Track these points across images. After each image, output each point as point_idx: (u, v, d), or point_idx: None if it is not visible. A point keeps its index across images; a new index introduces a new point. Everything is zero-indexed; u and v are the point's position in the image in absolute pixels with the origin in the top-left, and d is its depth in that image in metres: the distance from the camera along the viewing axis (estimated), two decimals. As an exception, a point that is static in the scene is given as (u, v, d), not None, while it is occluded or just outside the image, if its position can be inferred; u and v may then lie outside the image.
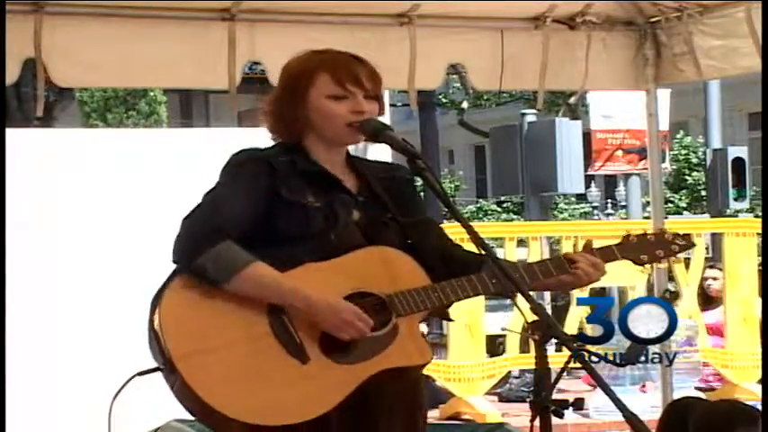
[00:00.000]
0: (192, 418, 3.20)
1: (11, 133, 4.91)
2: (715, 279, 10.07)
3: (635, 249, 3.43)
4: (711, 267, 10.23)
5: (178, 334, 3.06)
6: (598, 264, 3.34)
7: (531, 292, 3.07)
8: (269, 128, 3.31)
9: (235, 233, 3.11)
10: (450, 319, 3.37)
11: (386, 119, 3.35)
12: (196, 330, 3.08)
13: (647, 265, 3.49)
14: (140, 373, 3.17)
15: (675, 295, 9.78)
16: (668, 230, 3.53)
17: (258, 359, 3.06)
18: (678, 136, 27.77)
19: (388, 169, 3.38)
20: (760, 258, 10.19)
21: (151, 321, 3.08)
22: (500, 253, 9.04)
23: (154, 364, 3.11)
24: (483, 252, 3.07)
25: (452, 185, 32.20)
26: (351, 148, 3.38)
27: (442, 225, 3.49)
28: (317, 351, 3.08)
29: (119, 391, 3.23)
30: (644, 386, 9.98)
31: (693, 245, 3.68)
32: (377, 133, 3.19)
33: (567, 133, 16.89)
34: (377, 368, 3.10)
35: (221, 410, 3.02)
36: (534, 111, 17.19)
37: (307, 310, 3.08)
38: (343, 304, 3.08)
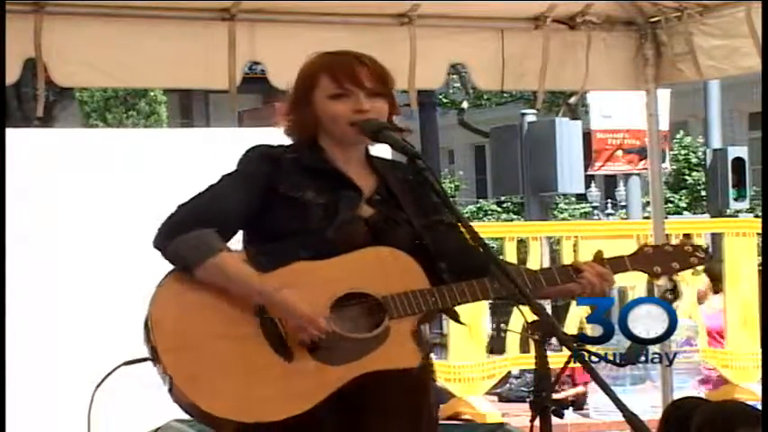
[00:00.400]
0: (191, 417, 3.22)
1: (11, 133, 4.92)
2: None
3: (649, 261, 3.38)
4: None
5: (166, 327, 3.09)
6: (605, 274, 3.29)
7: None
8: (285, 131, 3.33)
9: (218, 225, 3.14)
10: (459, 321, 3.34)
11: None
12: (184, 325, 3.10)
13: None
14: (126, 363, 3.19)
15: (675, 295, 9.77)
16: (690, 241, 3.45)
17: (243, 355, 3.08)
18: (678, 136, 27.76)
19: (410, 169, 3.30)
20: (760, 258, 10.19)
21: (145, 316, 3.12)
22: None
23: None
24: (483, 253, 3.07)
25: (452, 185, 32.17)
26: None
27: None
28: (304, 350, 3.09)
29: (103, 380, 3.25)
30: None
31: (715, 258, 3.64)
32: (376, 133, 3.19)
33: (567, 133, 16.89)
34: (362, 370, 3.10)
35: (200, 405, 3.04)
36: (534, 111, 17.19)
37: (268, 307, 3.09)
38: (299, 307, 3.06)
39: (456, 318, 3.31)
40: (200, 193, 3.22)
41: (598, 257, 3.32)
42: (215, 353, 3.07)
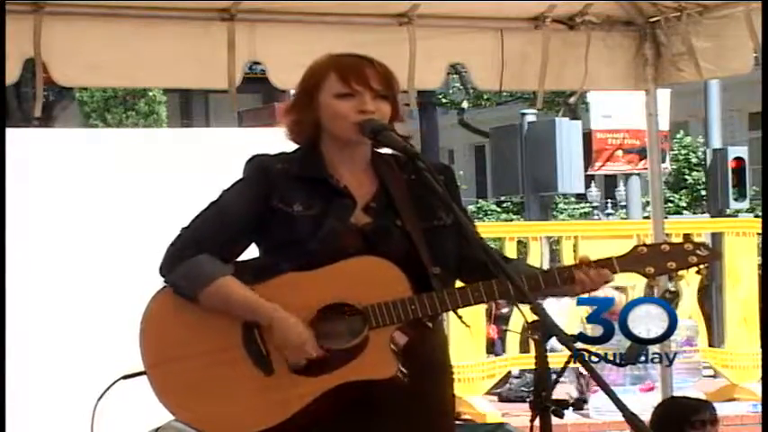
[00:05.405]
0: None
1: (11, 133, 4.91)
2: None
3: (641, 261, 3.25)
4: None
5: (155, 341, 3.17)
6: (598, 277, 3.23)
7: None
8: (287, 134, 3.31)
9: (221, 247, 3.18)
10: (464, 323, 3.32)
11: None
12: (171, 338, 3.17)
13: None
14: (125, 377, 3.23)
15: (675, 295, 9.78)
16: (691, 239, 3.34)
17: (223, 369, 3.13)
18: (678, 136, 27.77)
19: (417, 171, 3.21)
20: (760, 258, 10.20)
21: (139, 330, 3.19)
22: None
23: None
24: (484, 255, 3.06)
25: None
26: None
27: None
28: (283, 363, 3.12)
29: (103, 394, 3.28)
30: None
31: (719, 256, 3.55)
32: (376, 133, 3.18)
33: (567, 133, 16.94)
34: (339, 380, 3.10)
35: (180, 418, 3.14)
36: (534, 111, 17.21)
37: (267, 327, 3.12)
38: (294, 333, 3.08)
39: (460, 318, 3.29)
40: (201, 213, 3.24)
41: (584, 261, 3.25)
42: (195, 367, 3.14)
